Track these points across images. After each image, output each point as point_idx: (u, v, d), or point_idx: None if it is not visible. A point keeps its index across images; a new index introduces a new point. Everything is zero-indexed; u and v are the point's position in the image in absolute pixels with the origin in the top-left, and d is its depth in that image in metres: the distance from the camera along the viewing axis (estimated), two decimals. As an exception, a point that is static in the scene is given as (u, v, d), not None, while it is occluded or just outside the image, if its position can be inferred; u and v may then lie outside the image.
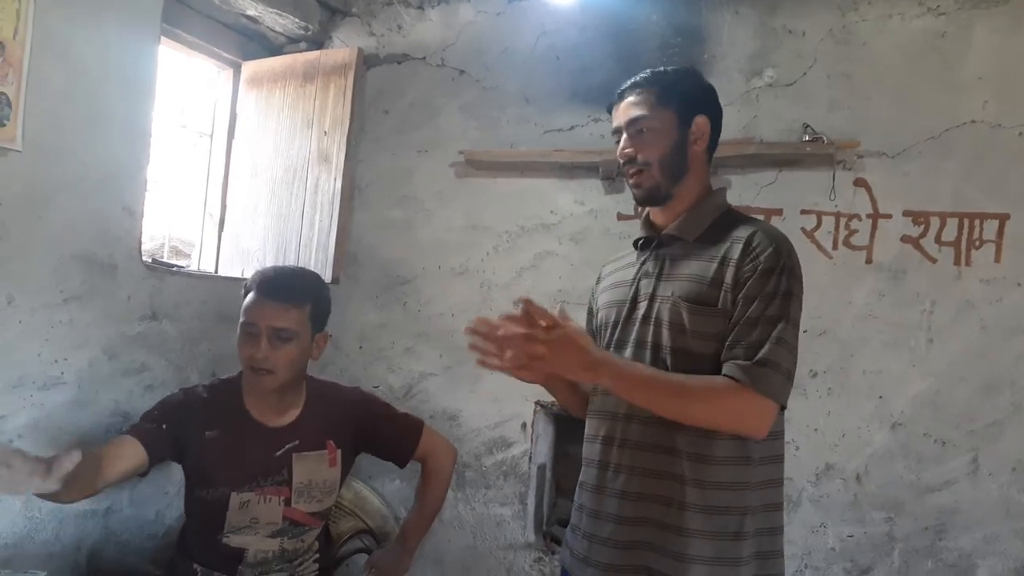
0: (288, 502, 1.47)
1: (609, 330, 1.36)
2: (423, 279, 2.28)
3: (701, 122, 1.39)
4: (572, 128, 2.17)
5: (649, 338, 1.30)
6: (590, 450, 1.34)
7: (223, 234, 2.40)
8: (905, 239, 1.87)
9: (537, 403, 2.15)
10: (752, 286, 1.23)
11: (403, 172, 2.32)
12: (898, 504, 1.81)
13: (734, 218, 1.38)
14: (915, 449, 1.81)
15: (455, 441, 2.15)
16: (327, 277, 2.25)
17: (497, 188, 2.23)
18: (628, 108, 1.38)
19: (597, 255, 2.11)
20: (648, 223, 1.41)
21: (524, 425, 2.15)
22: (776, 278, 1.24)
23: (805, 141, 1.93)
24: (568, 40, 2.18)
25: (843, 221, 1.92)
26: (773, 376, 1.18)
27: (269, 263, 2.25)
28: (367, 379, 2.26)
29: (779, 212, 1.96)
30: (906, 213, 1.88)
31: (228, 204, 2.40)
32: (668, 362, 1.27)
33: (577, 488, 1.35)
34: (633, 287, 1.36)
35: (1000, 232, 1.81)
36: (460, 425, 2.19)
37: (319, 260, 2.20)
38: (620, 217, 2.11)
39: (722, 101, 2.00)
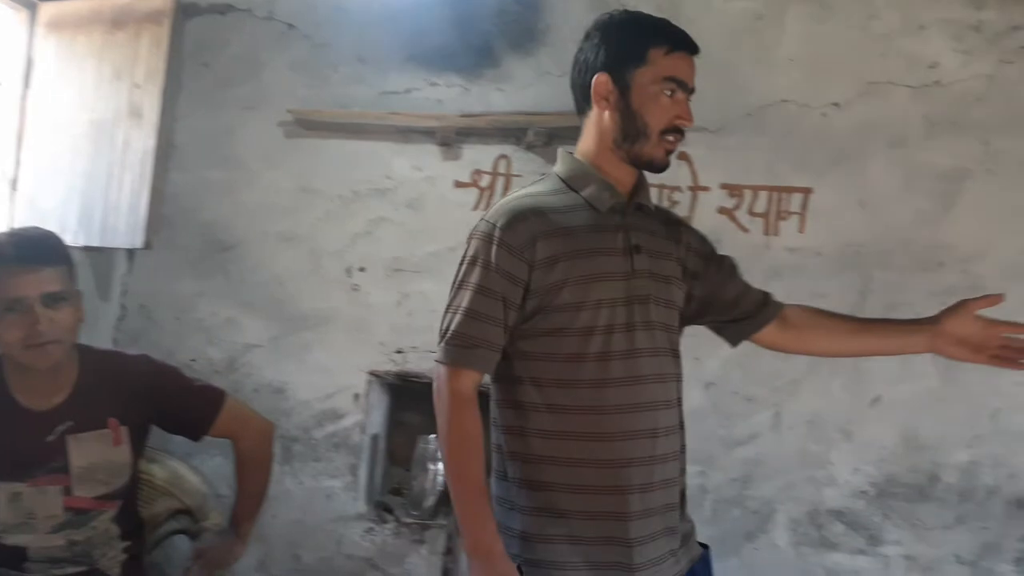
0: (68, 491, 1.41)
1: (611, 310, 1.35)
2: (247, 245, 2.30)
3: None
4: (408, 91, 2.26)
5: (659, 318, 1.37)
6: (626, 448, 1.32)
7: (16, 194, 2.30)
8: (722, 210, 2.12)
9: (371, 373, 2.25)
10: (723, 258, 1.51)
11: (225, 130, 2.32)
12: (710, 458, 2.08)
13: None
14: (725, 407, 2.08)
15: (282, 415, 2.21)
16: (137, 242, 2.22)
17: (329, 150, 2.28)
18: (694, 73, 1.39)
19: (434, 222, 2.23)
20: (605, 184, 1.40)
21: (357, 396, 2.24)
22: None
23: (638, 113, 2.13)
24: (405, 1, 2.27)
25: (667, 193, 2.14)
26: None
27: (72, 226, 2.18)
28: (183, 352, 2.26)
29: (609, 183, 2.16)
30: (723, 186, 2.12)
31: (22, 161, 2.30)
32: (670, 341, 1.39)
33: (586, 495, 1.32)
34: (624, 259, 1.38)
35: (804, 205, 2.10)
36: (288, 398, 2.25)
37: (129, 224, 2.16)
38: (458, 184, 2.23)
39: (556, 72, 2.21)
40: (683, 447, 1.43)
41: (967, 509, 2.03)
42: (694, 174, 2.14)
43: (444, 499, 2.14)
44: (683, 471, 1.41)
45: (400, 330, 2.22)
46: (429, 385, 2.22)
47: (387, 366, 2.22)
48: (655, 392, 1.37)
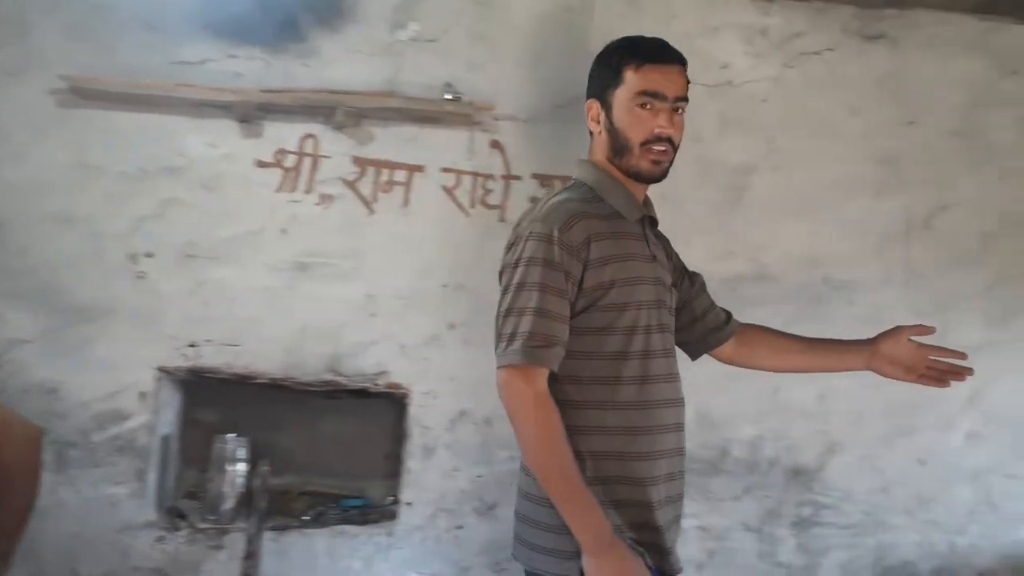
0: None
1: (652, 311, 1.45)
2: (12, 227, 2.04)
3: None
4: (204, 62, 2.10)
5: (672, 324, 1.54)
6: (658, 441, 1.43)
7: None
8: (534, 200, 2.15)
9: (160, 369, 2.07)
10: (695, 274, 1.71)
11: (-21, 97, 2.04)
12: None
13: None
14: (537, 393, 2.12)
15: (55, 418, 2.00)
16: None
17: (111, 123, 2.07)
18: (680, 81, 1.47)
19: (233, 204, 2.09)
20: (630, 195, 1.51)
21: (143, 395, 2.05)
22: None
23: (446, 99, 2.11)
24: (198, -37, 2.10)
25: (480, 181, 2.15)
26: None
27: None
28: (-69, 349, 1.98)
29: (420, 169, 2.12)
30: (535, 176, 2.16)
31: None
32: (672, 342, 1.54)
33: (628, 486, 1.38)
34: (651, 266, 1.49)
35: (608, 195, 2.18)
36: (63, 399, 2.03)
37: None
38: (261, 164, 2.10)
39: (365, 51, 2.15)
40: None
41: (752, 480, 2.22)
42: (506, 163, 2.15)
43: (244, 501, 2.03)
44: None
45: (194, 322, 2.06)
46: (226, 381, 2.12)
47: (179, 361, 2.06)
48: (678, 390, 1.51)
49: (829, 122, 2.25)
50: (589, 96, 1.52)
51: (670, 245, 1.66)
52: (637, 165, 1.45)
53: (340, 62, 2.11)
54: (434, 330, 2.11)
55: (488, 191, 2.15)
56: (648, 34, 1.53)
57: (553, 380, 1.38)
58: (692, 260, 2.17)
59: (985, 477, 2.35)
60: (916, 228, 2.30)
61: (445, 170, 2.13)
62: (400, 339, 2.10)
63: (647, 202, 1.57)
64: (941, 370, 1.61)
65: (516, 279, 1.39)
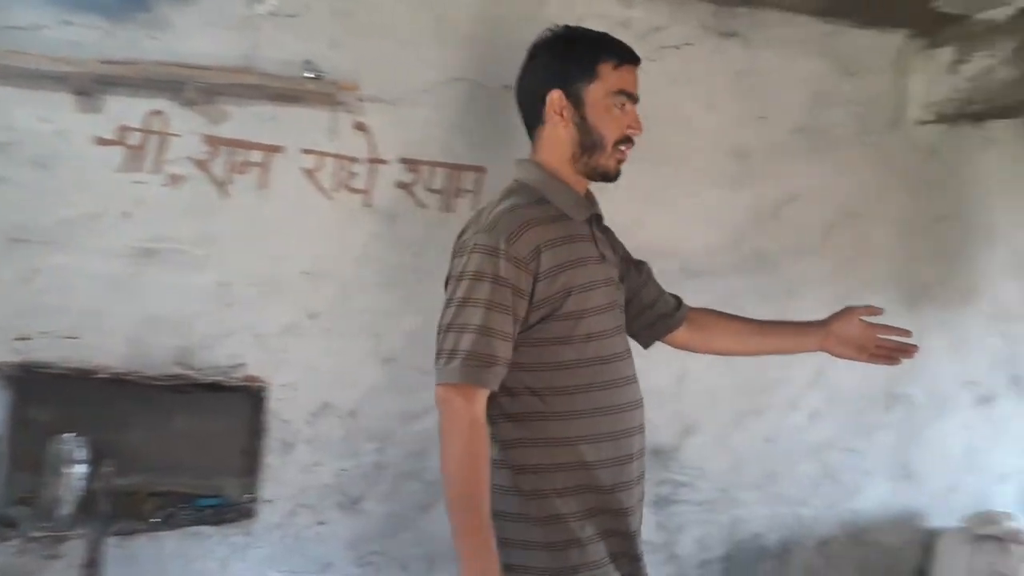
0: None
1: (606, 316, 1.44)
2: None
3: None
4: (37, 28, 1.91)
5: (623, 324, 1.53)
6: (625, 446, 1.43)
7: None
8: (400, 185, 2.11)
9: (-13, 364, 1.89)
10: (641, 262, 1.69)
11: None
12: (387, 434, 2.08)
13: None
14: (403, 381, 2.09)
15: None
16: None
17: (-77, 91, 1.85)
18: (637, 82, 1.48)
19: (69, 184, 1.92)
20: (578, 197, 1.49)
21: (-35, 392, 1.87)
22: None
23: (307, 78, 2.02)
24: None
25: (343, 164, 2.08)
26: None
27: None
28: None
29: (279, 150, 2.03)
30: (402, 160, 2.11)
31: None
32: (625, 344, 1.52)
33: (598, 494, 1.38)
34: (603, 268, 1.47)
35: (478, 183, 2.17)
36: None
37: None
38: (100, 141, 1.93)
39: (220, 24, 2.02)
40: None
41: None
42: (372, 146, 2.10)
43: (84, 506, 1.88)
44: None
45: (25, 313, 1.88)
46: (63, 376, 1.94)
47: (8, 356, 1.88)
48: (637, 391, 1.49)
49: (687, 115, 2.34)
50: (547, 85, 1.45)
51: (615, 237, 1.64)
52: (606, 164, 1.46)
53: (191, 35, 1.97)
54: (293, 319, 2.03)
55: (352, 175, 2.08)
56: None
57: (511, 393, 1.37)
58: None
59: (826, 452, 2.53)
60: (765, 218, 2.43)
61: (306, 151, 2.05)
62: (257, 329, 2.01)
63: (590, 197, 1.54)
64: (890, 348, 1.66)
65: (460, 293, 1.35)
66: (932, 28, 2.43)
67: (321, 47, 2.04)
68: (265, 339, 2.01)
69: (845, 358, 1.69)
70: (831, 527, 2.56)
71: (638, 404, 1.48)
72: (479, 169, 2.16)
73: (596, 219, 1.53)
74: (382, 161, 2.10)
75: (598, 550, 1.37)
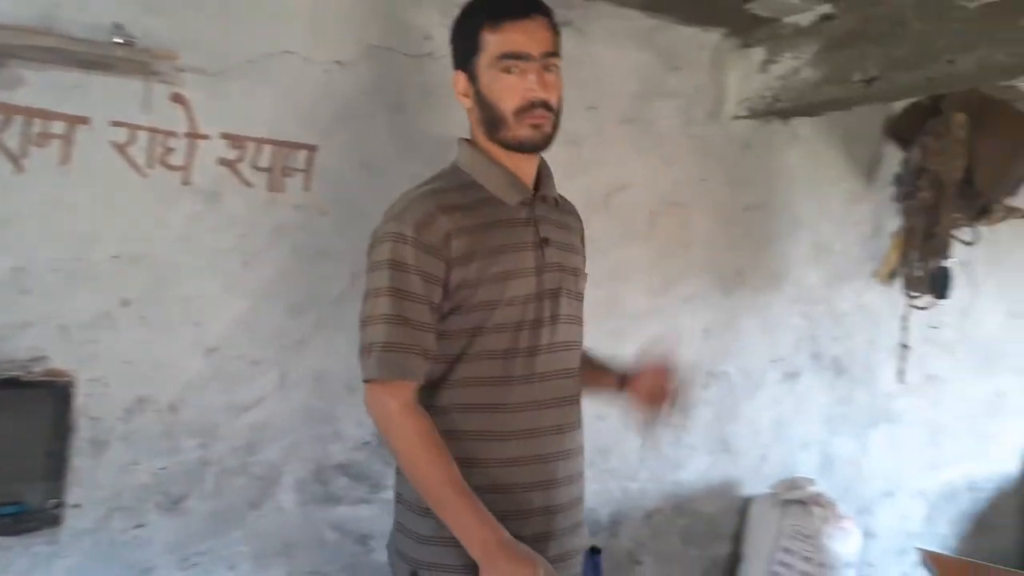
0: None
1: (520, 306, 1.34)
2: None
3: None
4: None
5: (574, 312, 1.43)
6: (555, 443, 1.38)
7: None
8: (223, 162, 1.99)
9: None
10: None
11: None
12: (212, 428, 1.96)
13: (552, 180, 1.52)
14: (229, 372, 1.98)
15: None
16: None
17: None
18: (541, 34, 1.31)
19: None
20: (512, 178, 1.39)
21: None
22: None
23: (116, 43, 1.85)
24: None
25: (159, 138, 1.92)
26: None
27: None
28: None
29: (85, 121, 1.84)
30: (224, 135, 1.98)
31: None
32: (580, 336, 1.45)
33: (530, 492, 1.35)
34: (539, 255, 1.36)
35: (309, 162, 2.08)
36: None
37: None
38: None
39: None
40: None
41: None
42: (192, 120, 1.96)
43: None
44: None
45: None
46: None
47: None
48: (563, 388, 1.39)
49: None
50: (455, 68, 1.41)
51: (580, 224, 1.58)
52: (516, 135, 1.34)
53: (-25, -12, 1.75)
54: (103, 308, 1.86)
55: (169, 150, 1.93)
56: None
57: (431, 385, 1.33)
58: (394, 231, 2.17)
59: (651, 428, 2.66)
60: (597, 206, 2.51)
61: (116, 124, 1.88)
62: (60, 319, 1.82)
63: (542, 178, 1.44)
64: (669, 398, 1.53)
65: (371, 285, 1.32)
66: (746, 29, 2.60)
67: (134, 11, 1.88)
68: (70, 330, 1.83)
69: (637, 408, 1.59)
70: (656, 499, 2.71)
71: (570, 400, 1.42)
72: (310, 147, 2.08)
73: (543, 200, 1.43)
74: (203, 136, 1.97)
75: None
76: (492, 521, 1.25)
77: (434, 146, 2.22)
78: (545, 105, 1.32)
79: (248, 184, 2.02)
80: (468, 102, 1.41)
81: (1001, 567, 3.30)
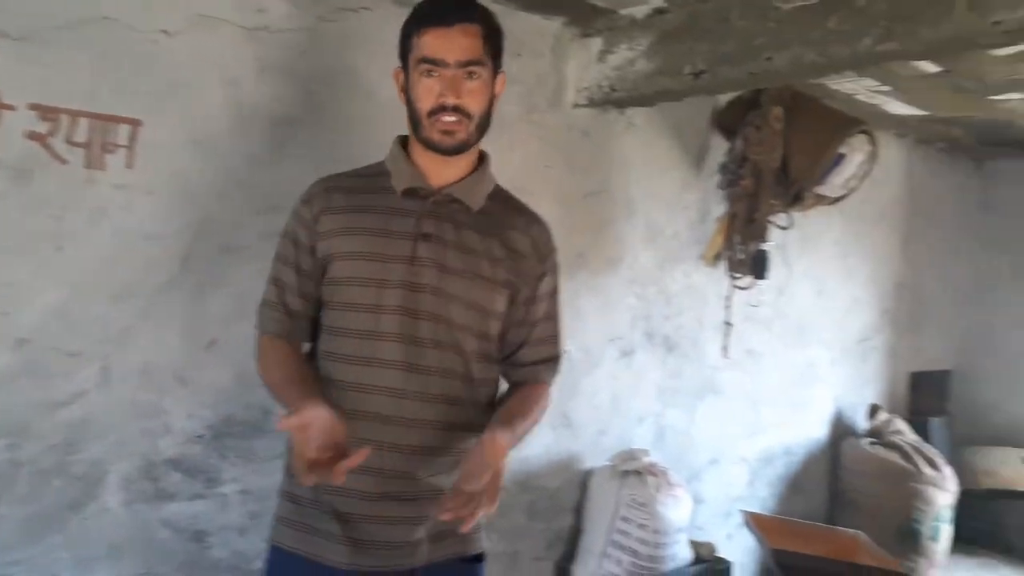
0: None
1: (374, 289, 1.36)
2: None
3: (503, 80, 1.50)
4: None
5: (445, 312, 1.38)
6: (371, 430, 1.39)
7: None
8: (32, 136, 1.80)
9: None
10: (543, 286, 1.51)
11: None
12: (22, 427, 1.78)
13: (506, 196, 1.55)
14: (42, 365, 1.81)
15: None
16: None
17: None
18: (463, 42, 1.34)
19: None
20: (413, 171, 1.43)
21: None
22: (555, 277, 1.56)
23: None
24: None
25: (-48, 106, 1.72)
26: (558, 366, 1.60)
27: None
28: None
29: None
30: (33, 107, 1.80)
31: None
32: (466, 342, 1.40)
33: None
34: (411, 246, 1.37)
35: (133, 137, 1.93)
36: None
37: None
38: None
39: None
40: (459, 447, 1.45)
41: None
42: (-8, 88, 1.76)
43: None
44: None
45: None
46: None
47: None
48: (419, 382, 1.38)
49: (366, 82, 2.31)
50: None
51: (535, 243, 1.50)
52: (429, 137, 1.39)
53: None
54: None
55: (-35, 121, 1.73)
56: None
57: (314, 354, 1.50)
58: (235, 211, 2.07)
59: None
60: (443, 188, 2.50)
61: None
62: None
63: (467, 182, 1.45)
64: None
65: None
66: (585, 18, 2.67)
67: (-84, -39, 1.66)
68: None
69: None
70: (504, 478, 2.75)
71: (409, 394, 1.39)
72: (133, 121, 1.92)
73: (451, 200, 1.44)
74: (7, 107, 1.77)
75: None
76: (307, 395, 1.29)
77: (273, 124, 2.13)
78: (458, 110, 1.37)
79: (62, 160, 1.84)
80: (401, 97, 1.48)
81: (811, 523, 3.64)
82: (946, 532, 4.00)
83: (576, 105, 2.81)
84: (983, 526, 4.46)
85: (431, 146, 1.42)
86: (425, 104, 1.39)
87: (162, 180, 1.96)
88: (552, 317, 1.56)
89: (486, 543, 1.58)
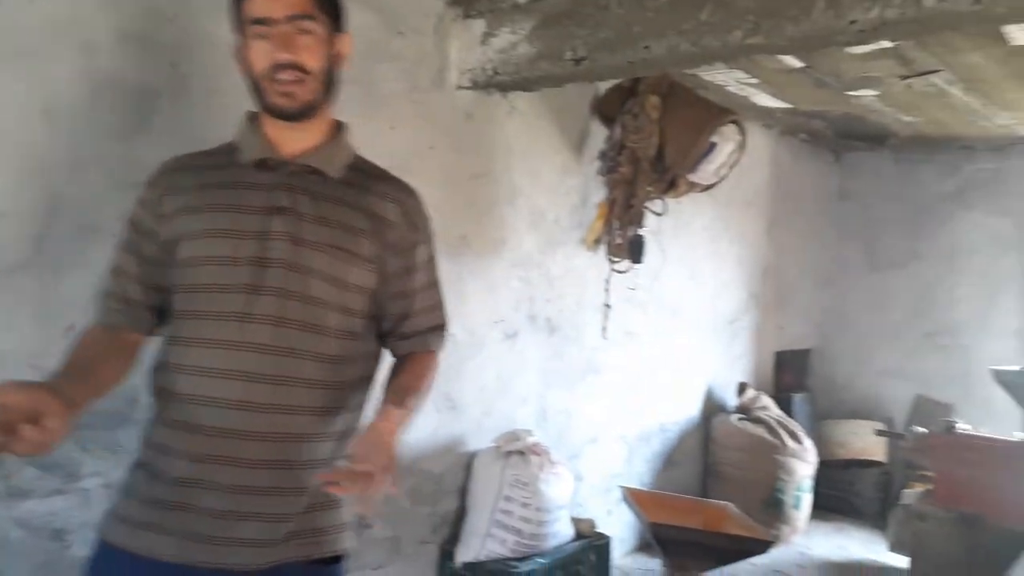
0: None
1: (225, 269, 1.27)
2: None
3: (347, 41, 1.43)
4: None
5: (301, 289, 1.29)
6: (197, 414, 1.31)
7: None
8: None
9: None
10: (418, 255, 1.44)
11: None
12: None
13: (370, 166, 1.47)
14: None
15: None
16: None
17: None
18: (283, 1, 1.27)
19: None
20: (262, 142, 1.35)
21: None
22: (430, 245, 1.49)
23: None
24: None
25: None
26: (444, 335, 1.54)
27: None
28: None
29: None
30: None
31: None
32: (326, 318, 1.31)
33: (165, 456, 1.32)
34: (264, 221, 1.29)
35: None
36: None
37: None
38: None
39: None
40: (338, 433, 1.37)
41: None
42: None
43: None
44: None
45: None
46: None
47: None
48: (256, 362, 1.27)
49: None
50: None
51: (402, 210, 1.42)
52: (270, 101, 1.32)
53: None
54: None
55: None
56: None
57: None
58: (93, 188, 1.93)
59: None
60: (322, 168, 2.43)
61: None
62: None
63: (323, 151, 1.36)
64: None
65: None
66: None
67: None
68: None
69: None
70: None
71: (252, 377, 1.28)
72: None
73: (307, 171, 1.36)
74: None
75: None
76: (52, 384, 1.17)
77: (133, 96, 2.00)
78: (295, 67, 1.29)
79: None
80: (242, 72, 1.39)
81: (685, 496, 3.81)
82: (807, 500, 4.28)
83: (460, 87, 2.79)
84: (838, 494, 4.80)
85: (275, 112, 1.34)
86: (260, 66, 1.32)
87: (9, 155, 1.80)
88: (433, 285, 1.50)
89: (350, 542, 1.45)
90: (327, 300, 1.32)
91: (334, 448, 1.38)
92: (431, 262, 1.50)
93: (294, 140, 1.36)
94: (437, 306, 1.52)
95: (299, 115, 1.34)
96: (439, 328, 1.52)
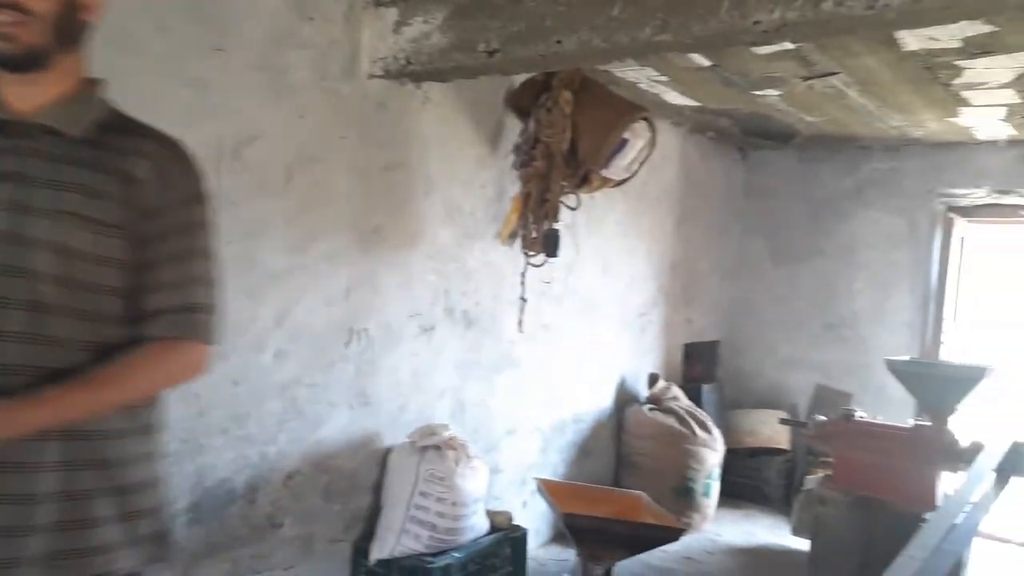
0: None
1: None
2: None
3: None
4: None
5: (24, 263, 1.14)
6: None
7: None
8: None
9: None
10: (168, 219, 1.23)
11: None
12: None
13: (125, 121, 1.27)
14: None
15: None
16: None
17: None
18: None
19: None
20: None
21: None
22: (192, 209, 1.27)
23: None
24: None
25: None
26: (203, 319, 1.26)
27: None
28: None
29: None
30: None
31: None
32: (51, 294, 1.15)
33: None
34: None
35: None
36: None
37: None
38: None
39: None
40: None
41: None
42: None
43: None
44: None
45: None
46: None
47: None
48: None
49: (135, 37, 2.10)
50: None
51: (158, 173, 1.22)
52: None
53: None
54: None
55: None
56: None
57: None
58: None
59: (292, 389, 2.60)
60: (226, 157, 2.34)
61: None
62: None
63: (62, 105, 1.19)
64: None
65: None
66: (380, -13, 2.61)
67: None
68: None
69: None
70: (296, 461, 2.66)
71: None
72: None
73: (39, 130, 1.18)
74: None
75: None
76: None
77: None
78: (14, 7, 1.13)
79: None
80: None
81: (598, 486, 3.86)
82: (716, 488, 4.41)
83: (371, 76, 2.74)
84: (746, 481, 4.97)
85: None
86: None
87: None
88: (191, 255, 1.26)
89: (129, 560, 1.26)
90: (54, 274, 1.15)
91: (62, 449, 1.19)
92: (192, 228, 1.27)
93: (26, 95, 1.19)
94: (196, 281, 1.26)
95: (23, 62, 1.16)
96: (194, 309, 1.26)
